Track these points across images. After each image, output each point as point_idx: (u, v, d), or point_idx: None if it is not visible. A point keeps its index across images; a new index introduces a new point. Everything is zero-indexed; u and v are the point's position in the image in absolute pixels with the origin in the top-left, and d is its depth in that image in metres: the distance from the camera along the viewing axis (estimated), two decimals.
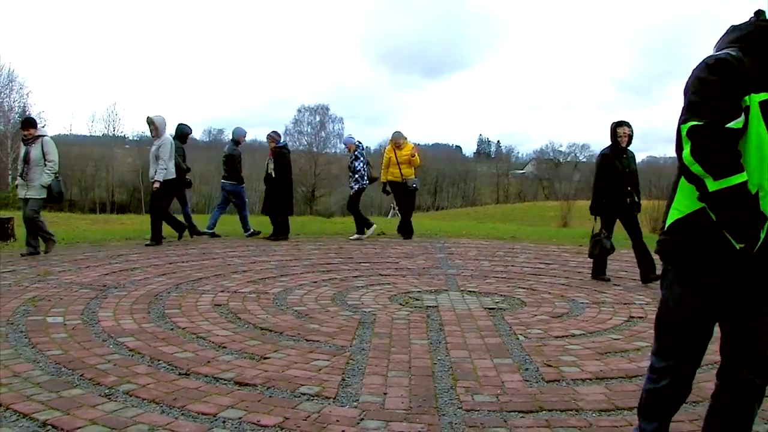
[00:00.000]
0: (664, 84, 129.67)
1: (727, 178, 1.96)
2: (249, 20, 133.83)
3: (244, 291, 5.87)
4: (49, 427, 2.74)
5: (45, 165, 7.82)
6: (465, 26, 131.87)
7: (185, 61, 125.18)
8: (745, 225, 1.99)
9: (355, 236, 10.59)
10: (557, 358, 3.92)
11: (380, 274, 7.06)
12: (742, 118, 2.01)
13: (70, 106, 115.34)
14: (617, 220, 6.84)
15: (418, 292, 6.10)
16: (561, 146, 68.91)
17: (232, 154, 10.70)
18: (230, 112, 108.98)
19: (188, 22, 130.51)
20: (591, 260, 7.08)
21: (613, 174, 6.67)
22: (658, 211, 13.83)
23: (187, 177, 10.48)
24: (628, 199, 6.68)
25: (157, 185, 9.11)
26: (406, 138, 10.95)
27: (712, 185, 1.99)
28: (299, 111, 57.30)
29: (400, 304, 5.50)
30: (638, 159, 7.21)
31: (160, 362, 3.71)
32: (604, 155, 6.79)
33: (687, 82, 2.13)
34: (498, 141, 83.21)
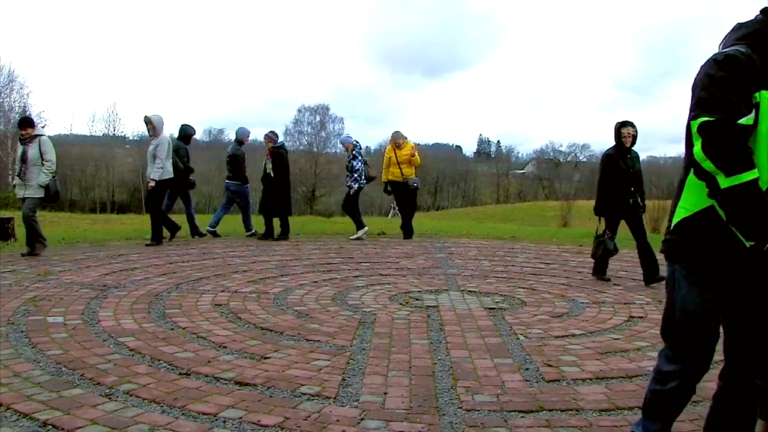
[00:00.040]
0: (664, 84, 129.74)
1: (739, 174, 1.94)
2: (249, 20, 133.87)
3: (245, 291, 5.87)
4: (50, 426, 2.74)
5: (42, 164, 7.79)
6: (465, 26, 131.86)
7: (186, 61, 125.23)
8: (756, 222, 1.97)
9: (356, 236, 10.60)
10: (557, 358, 3.92)
11: (380, 274, 7.06)
12: (752, 115, 1.99)
13: (70, 106, 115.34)
14: (622, 220, 6.81)
15: (419, 291, 6.10)
16: (561, 146, 68.94)
17: (236, 154, 10.71)
18: (230, 112, 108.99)
19: (188, 22, 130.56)
20: (592, 261, 7.08)
21: (617, 174, 6.63)
22: (658, 210, 13.83)
23: (191, 177, 10.52)
24: (631, 200, 6.65)
25: (152, 184, 9.10)
26: (406, 137, 10.95)
27: (723, 182, 1.97)
28: (299, 111, 57.37)
29: (401, 304, 5.50)
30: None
31: (160, 362, 3.71)
32: (608, 155, 6.76)
33: (695, 78, 2.11)
34: (498, 141, 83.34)
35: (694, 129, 2.02)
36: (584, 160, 68.62)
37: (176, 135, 10.80)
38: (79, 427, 2.73)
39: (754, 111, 2.00)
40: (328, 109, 57.34)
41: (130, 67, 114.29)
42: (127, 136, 55.78)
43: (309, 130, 56.12)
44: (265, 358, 3.83)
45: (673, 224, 2.21)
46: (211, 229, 10.55)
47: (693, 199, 2.14)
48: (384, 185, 11.19)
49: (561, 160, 67.12)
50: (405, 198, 11.05)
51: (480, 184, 68.40)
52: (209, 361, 3.73)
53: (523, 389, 3.35)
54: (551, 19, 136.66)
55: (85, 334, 4.29)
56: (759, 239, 2.00)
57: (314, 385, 3.33)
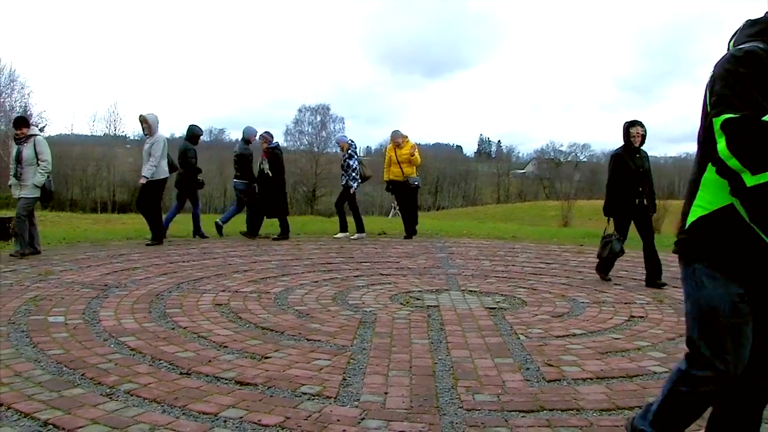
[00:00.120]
0: (664, 84, 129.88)
1: (765, 172, 1.89)
2: (250, 20, 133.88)
3: (245, 290, 5.88)
4: (51, 426, 2.74)
5: (38, 164, 7.75)
6: (466, 26, 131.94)
7: (186, 61, 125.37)
8: None
9: (357, 235, 10.60)
10: (558, 358, 3.92)
11: (381, 274, 7.06)
12: None
13: (71, 106, 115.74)
14: (631, 221, 6.72)
15: (419, 291, 6.10)
16: (562, 146, 68.97)
17: (244, 154, 10.72)
18: (231, 111, 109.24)
19: (189, 21, 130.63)
20: (594, 260, 7.07)
21: (626, 174, 6.58)
22: (658, 210, 13.81)
23: (199, 178, 10.55)
24: (637, 200, 6.58)
25: (142, 181, 9.07)
26: (406, 136, 10.94)
27: (749, 180, 1.91)
28: (300, 111, 57.42)
29: (401, 304, 5.50)
30: None
31: (161, 362, 3.71)
32: (617, 155, 6.71)
33: (713, 75, 2.05)
34: (499, 141, 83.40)
35: (717, 126, 1.96)
36: (585, 160, 68.71)
37: (185, 135, 10.89)
38: (80, 427, 2.73)
39: None
40: (328, 108, 57.43)
41: (131, 67, 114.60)
42: (128, 135, 55.83)
43: (309, 130, 56.20)
44: (266, 357, 3.83)
45: (688, 223, 2.15)
46: (219, 223, 10.61)
47: (710, 197, 2.09)
48: (386, 184, 11.22)
49: (561, 159, 67.11)
50: (406, 197, 11.06)
51: (480, 183, 68.42)
52: (210, 361, 3.73)
53: (523, 389, 3.35)
54: (552, 19, 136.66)
55: (86, 333, 4.29)
56: None
57: (315, 385, 3.33)
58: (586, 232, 13.67)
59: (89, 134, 55.15)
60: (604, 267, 6.88)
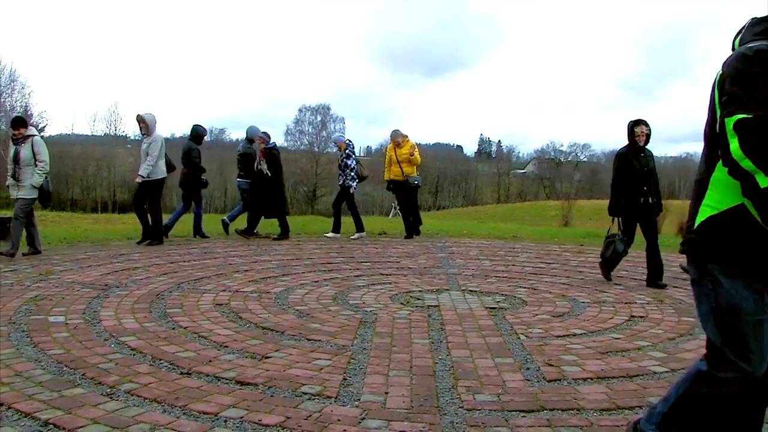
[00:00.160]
0: (664, 84, 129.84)
1: None
2: (250, 20, 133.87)
3: (246, 290, 5.88)
4: (51, 426, 2.74)
5: (36, 165, 7.70)
6: (467, 26, 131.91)
7: (187, 61, 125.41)
8: None
9: (356, 235, 10.60)
10: (558, 358, 3.92)
11: (381, 274, 7.06)
12: None
13: (71, 106, 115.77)
14: (637, 221, 6.66)
15: (420, 291, 6.10)
16: (562, 146, 68.95)
17: (248, 153, 10.73)
18: (231, 111, 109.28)
19: (190, 21, 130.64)
20: (594, 260, 7.05)
21: (631, 173, 6.54)
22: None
23: (203, 177, 10.57)
24: (642, 199, 6.53)
25: (138, 180, 9.04)
26: (406, 136, 10.92)
27: (763, 181, 1.88)
28: (300, 111, 57.44)
29: (402, 304, 5.50)
30: None
31: (161, 361, 3.71)
32: (621, 154, 6.67)
33: (723, 73, 2.02)
34: (499, 140, 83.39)
35: (730, 126, 1.93)
36: (585, 159, 68.71)
37: (189, 135, 10.93)
38: (81, 427, 2.73)
39: None
40: (329, 108, 57.46)
41: (132, 67, 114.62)
42: (128, 135, 55.86)
43: (310, 129, 56.23)
44: (266, 357, 3.83)
45: (697, 223, 2.11)
46: (227, 221, 10.64)
47: (719, 197, 2.06)
48: (387, 184, 11.24)
49: (562, 159, 67.10)
50: (406, 196, 11.06)
51: (481, 183, 68.41)
52: (210, 361, 3.73)
53: (524, 389, 3.35)
54: (553, 19, 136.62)
55: (87, 333, 4.29)
56: None
57: (315, 385, 3.33)
58: (586, 232, 13.67)
59: (90, 134, 55.27)
60: (609, 266, 6.84)
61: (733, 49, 2.12)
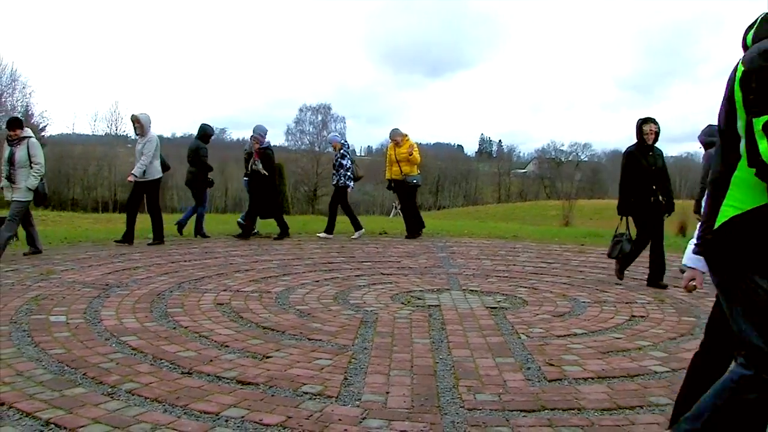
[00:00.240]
0: (665, 83, 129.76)
1: None
2: (251, 19, 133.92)
3: (247, 290, 5.88)
4: (52, 425, 2.75)
5: (31, 167, 7.61)
6: (468, 26, 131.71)
7: (187, 61, 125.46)
8: None
9: (357, 234, 10.58)
10: (559, 357, 3.92)
11: (382, 273, 7.06)
12: None
13: (72, 106, 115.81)
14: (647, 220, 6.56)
15: (420, 291, 6.10)
16: (563, 145, 68.87)
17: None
18: (232, 111, 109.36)
19: (190, 21, 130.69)
20: (595, 260, 7.04)
21: (639, 172, 6.49)
22: None
23: (209, 176, 10.58)
24: (652, 198, 6.48)
25: (131, 178, 8.99)
26: (405, 135, 10.86)
27: None
28: (301, 110, 57.39)
29: (402, 303, 5.51)
30: None
31: (162, 361, 3.71)
32: (630, 153, 6.61)
33: (747, 70, 1.94)
34: (500, 140, 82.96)
35: (759, 126, 1.87)
36: (586, 159, 68.68)
37: (196, 134, 10.98)
38: (82, 426, 2.74)
39: None
40: (329, 108, 57.40)
41: (133, 67, 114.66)
42: (129, 135, 55.77)
43: (311, 129, 56.18)
44: (267, 357, 3.84)
45: (718, 223, 2.04)
46: (242, 222, 10.65)
47: (742, 196, 2.00)
48: (387, 183, 11.24)
49: (562, 159, 67.08)
50: (405, 196, 11.05)
51: (481, 183, 68.42)
52: (211, 360, 3.74)
53: (524, 388, 3.35)
54: (553, 19, 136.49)
55: (88, 333, 4.30)
56: None
57: (316, 384, 3.33)
58: (587, 232, 13.67)
59: (90, 134, 55.22)
60: (624, 265, 6.69)
61: (745, 44, 2.07)
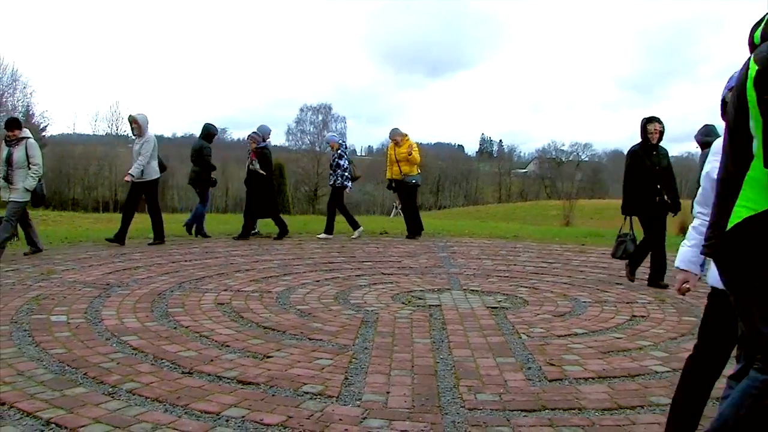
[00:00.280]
0: (666, 83, 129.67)
1: None
2: (251, 19, 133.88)
3: (247, 290, 5.88)
4: (53, 425, 2.75)
5: (29, 168, 7.59)
6: (468, 26, 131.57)
7: (188, 61, 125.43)
8: None
9: (356, 233, 10.56)
10: (560, 357, 3.92)
11: (383, 273, 7.06)
12: None
13: (73, 106, 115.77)
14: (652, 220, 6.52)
15: (421, 291, 6.10)
16: (563, 145, 68.81)
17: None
18: (233, 111, 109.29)
19: (191, 21, 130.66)
20: (595, 260, 7.03)
21: (643, 172, 6.46)
22: None
23: (212, 176, 10.59)
24: (657, 198, 6.44)
25: (128, 178, 8.98)
26: (405, 134, 10.81)
27: None
28: (302, 110, 57.30)
29: (403, 303, 5.51)
30: None
31: (163, 361, 3.71)
32: (634, 152, 6.58)
33: (764, 70, 1.89)
34: (500, 140, 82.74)
35: None
36: (586, 159, 68.64)
37: (200, 134, 10.96)
38: (83, 426, 2.74)
39: None
40: (330, 108, 57.32)
41: (133, 67, 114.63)
42: (129, 135, 55.47)
43: (311, 129, 56.11)
44: (268, 357, 3.84)
45: (731, 224, 1.97)
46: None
47: (756, 197, 1.94)
48: (388, 183, 11.24)
49: (563, 159, 67.04)
50: (405, 196, 11.04)
51: (482, 183, 68.39)
52: (212, 360, 3.74)
53: (525, 388, 3.35)
54: (554, 19, 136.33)
55: (88, 332, 4.30)
56: None
57: (317, 384, 3.33)
58: (587, 232, 13.67)
59: (91, 134, 55.15)
60: (633, 266, 6.64)
61: (752, 42, 2.03)
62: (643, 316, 5.14)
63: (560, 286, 6.48)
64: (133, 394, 3.14)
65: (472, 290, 6.16)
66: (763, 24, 2.03)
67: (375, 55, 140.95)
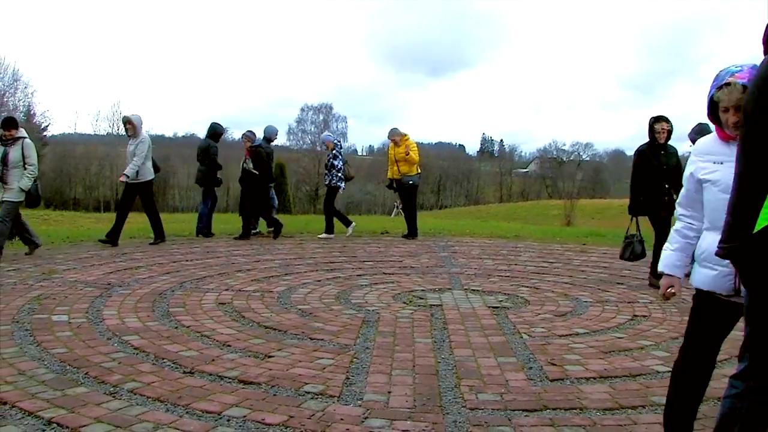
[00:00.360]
0: (667, 83, 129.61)
1: None
2: (252, 19, 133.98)
3: (248, 289, 5.88)
4: (54, 425, 2.75)
5: (24, 168, 7.56)
6: (469, 25, 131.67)
7: (189, 60, 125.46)
8: None
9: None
10: (561, 357, 3.91)
11: (384, 273, 7.06)
12: None
13: (74, 105, 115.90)
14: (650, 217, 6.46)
15: (422, 290, 6.10)
16: (564, 145, 68.86)
17: (266, 152, 10.73)
18: (233, 111, 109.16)
19: (192, 21, 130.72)
20: (597, 259, 7.01)
21: (650, 171, 6.41)
22: None
23: (218, 175, 10.62)
24: (666, 197, 6.35)
25: (123, 179, 8.94)
26: (404, 134, 10.74)
27: None
28: (303, 110, 57.32)
29: (404, 303, 5.50)
30: None
31: (164, 360, 3.72)
32: (641, 152, 6.53)
33: None
34: (501, 140, 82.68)
35: None
36: (587, 158, 68.62)
37: (206, 133, 10.99)
38: (84, 426, 2.74)
39: None
40: (331, 108, 57.35)
41: (134, 67, 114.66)
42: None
43: (312, 129, 56.09)
44: (269, 356, 3.84)
45: (759, 227, 1.82)
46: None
47: None
48: (389, 182, 11.24)
49: (564, 158, 67.04)
50: (405, 196, 11.02)
51: (483, 182, 68.38)
52: (213, 360, 3.74)
53: (526, 388, 3.35)
54: (555, 19, 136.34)
55: (90, 332, 4.30)
56: None
57: (318, 384, 3.33)
58: (588, 231, 13.66)
59: (92, 133, 55.15)
60: (654, 268, 6.43)
61: (767, 40, 2.00)
62: (644, 316, 5.14)
63: (561, 285, 6.47)
64: (135, 394, 3.14)
65: (474, 290, 6.16)
66: None
67: (376, 55, 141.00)
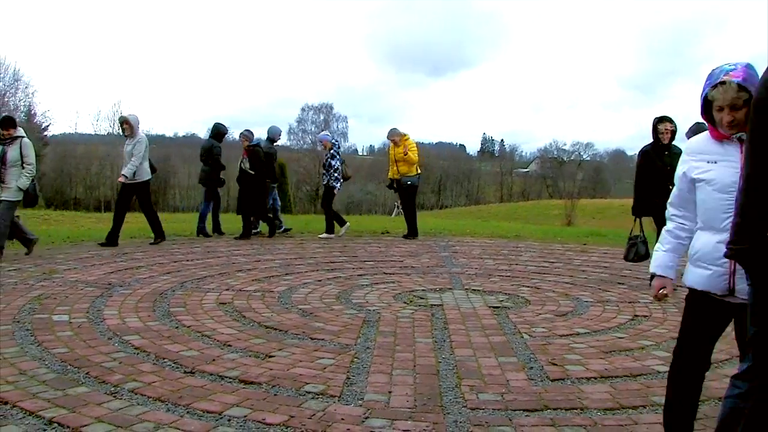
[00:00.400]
0: (668, 83, 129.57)
1: None
2: (253, 18, 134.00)
3: (249, 289, 5.88)
4: (55, 424, 2.75)
5: (23, 167, 7.54)
6: (470, 25, 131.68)
7: (189, 60, 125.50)
8: None
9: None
10: (562, 357, 3.91)
11: (385, 273, 7.06)
12: None
13: (75, 105, 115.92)
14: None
15: (423, 290, 6.10)
16: (565, 145, 68.90)
17: (269, 153, 10.74)
18: (234, 111, 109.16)
19: (192, 20, 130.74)
20: (597, 259, 7.01)
21: (653, 172, 6.39)
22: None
23: (221, 176, 10.65)
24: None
25: (122, 179, 8.94)
26: (403, 134, 10.71)
27: None
28: (303, 110, 57.38)
29: (405, 303, 5.50)
30: None
31: (165, 360, 3.72)
32: (644, 153, 6.52)
33: None
34: (502, 140, 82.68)
35: None
36: (588, 158, 68.60)
37: (209, 133, 11.02)
38: (85, 425, 2.74)
39: None
40: (332, 107, 57.39)
41: (135, 67, 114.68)
42: None
43: (313, 129, 56.07)
44: (270, 356, 3.84)
45: None
46: (256, 231, 10.65)
47: None
48: (389, 182, 11.23)
49: (565, 158, 67.04)
50: (404, 196, 11.01)
51: (484, 182, 68.37)
52: (214, 360, 3.74)
53: (527, 388, 3.35)
54: (556, 18, 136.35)
55: (90, 332, 4.30)
56: None
57: (319, 384, 3.33)
58: (589, 231, 13.66)
59: (93, 133, 55.14)
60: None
61: None
62: (645, 316, 5.14)
63: (562, 285, 6.47)
64: (135, 394, 3.14)
65: (474, 290, 6.16)
66: None
67: (377, 55, 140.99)
